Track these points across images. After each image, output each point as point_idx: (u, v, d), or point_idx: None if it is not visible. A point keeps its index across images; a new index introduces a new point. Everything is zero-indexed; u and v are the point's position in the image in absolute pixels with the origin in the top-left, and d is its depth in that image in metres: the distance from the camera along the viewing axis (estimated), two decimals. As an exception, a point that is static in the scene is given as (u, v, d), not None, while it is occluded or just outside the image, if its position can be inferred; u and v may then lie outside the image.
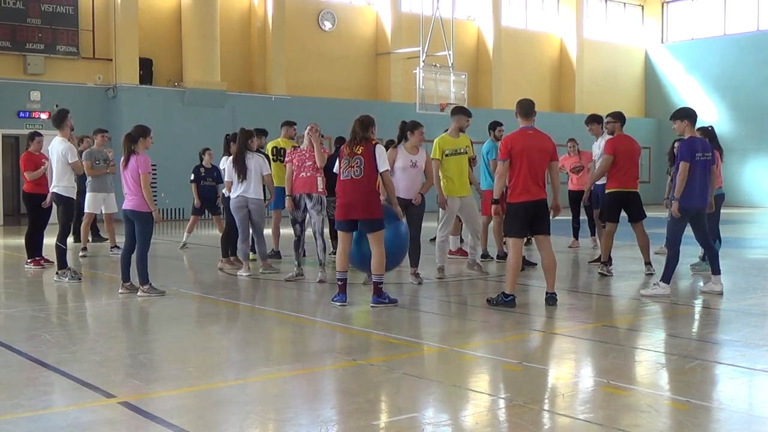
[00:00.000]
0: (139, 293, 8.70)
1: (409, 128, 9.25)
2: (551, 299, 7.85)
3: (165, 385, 5.27)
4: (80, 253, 12.68)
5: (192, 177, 13.62)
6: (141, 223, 8.67)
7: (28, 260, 11.19)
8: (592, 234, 13.47)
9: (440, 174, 9.66)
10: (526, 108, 8.12)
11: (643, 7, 33.83)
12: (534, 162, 7.75)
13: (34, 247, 11.19)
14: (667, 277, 8.42)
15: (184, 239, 13.95)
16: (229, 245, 11.13)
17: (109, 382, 5.30)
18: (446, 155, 9.74)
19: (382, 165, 7.95)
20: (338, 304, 7.96)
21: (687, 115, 8.51)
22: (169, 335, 6.97)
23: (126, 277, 8.90)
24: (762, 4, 30.42)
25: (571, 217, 13.84)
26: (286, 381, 5.41)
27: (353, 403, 4.82)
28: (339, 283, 8.05)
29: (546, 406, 4.75)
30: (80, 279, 9.96)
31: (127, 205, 8.73)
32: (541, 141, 7.91)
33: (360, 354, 6.16)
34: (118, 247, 12.87)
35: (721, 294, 8.53)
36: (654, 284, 8.51)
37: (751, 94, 30.07)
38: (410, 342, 6.57)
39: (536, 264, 10.51)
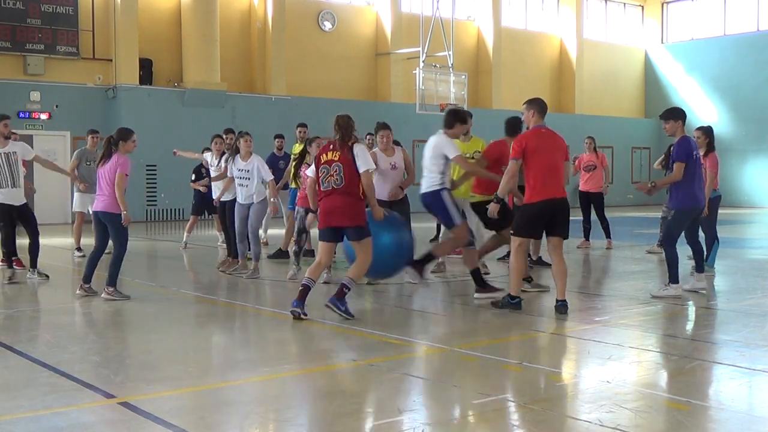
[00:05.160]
0: (103, 295, 8.51)
1: (374, 130, 8.96)
2: (562, 307, 7.48)
3: (165, 385, 5.26)
4: (75, 254, 12.70)
5: (193, 177, 13.69)
6: (113, 225, 8.46)
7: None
8: (608, 236, 13.39)
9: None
10: (543, 106, 7.75)
11: (643, 7, 33.84)
12: (552, 159, 7.49)
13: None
14: (675, 277, 8.37)
15: (184, 239, 13.97)
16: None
17: (109, 382, 5.30)
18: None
19: (363, 165, 7.27)
20: (292, 309, 7.32)
21: (680, 115, 8.46)
22: (169, 335, 6.97)
23: (87, 279, 8.69)
24: (762, 4, 30.43)
25: (582, 218, 13.69)
26: (286, 381, 5.41)
27: (353, 403, 4.82)
28: (300, 288, 7.42)
29: (546, 407, 4.75)
30: (47, 277, 10.08)
31: (97, 206, 8.53)
32: (556, 139, 7.66)
33: (360, 354, 6.16)
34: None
35: (705, 290, 8.61)
36: (665, 286, 8.48)
37: (750, 95, 30.07)
38: (410, 342, 6.57)
39: (550, 264, 10.44)
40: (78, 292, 8.73)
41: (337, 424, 4.45)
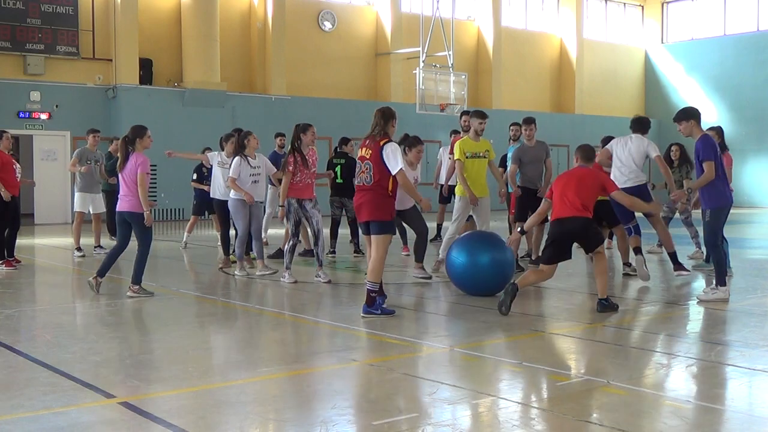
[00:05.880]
0: (128, 293, 8.62)
1: (407, 144, 9.04)
2: (600, 304, 7.66)
3: (165, 385, 5.27)
4: (75, 253, 12.69)
5: (194, 177, 13.71)
6: (137, 224, 8.53)
7: (0, 261, 11.20)
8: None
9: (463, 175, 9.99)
10: (585, 152, 8.15)
11: (643, 7, 33.84)
12: (565, 187, 7.71)
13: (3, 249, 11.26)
14: (723, 279, 8.15)
15: (184, 239, 13.98)
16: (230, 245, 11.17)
17: (109, 382, 5.30)
18: (467, 157, 9.97)
19: (394, 166, 7.34)
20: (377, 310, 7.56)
21: (693, 114, 8.32)
22: (169, 335, 6.97)
23: (102, 272, 8.77)
24: (762, 4, 30.44)
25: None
26: (286, 381, 5.40)
27: (353, 403, 4.82)
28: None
29: (546, 406, 4.75)
30: None
31: (122, 206, 8.56)
32: (583, 172, 7.92)
33: (360, 354, 6.16)
34: (101, 247, 12.95)
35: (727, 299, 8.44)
36: (712, 290, 8.23)
37: (751, 95, 30.07)
38: (410, 342, 6.57)
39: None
40: (90, 280, 8.81)
41: (337, 424, 4.45)
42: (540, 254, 8.02)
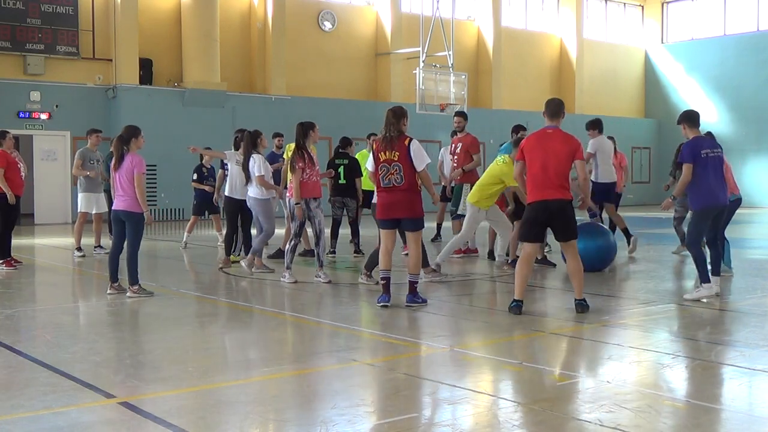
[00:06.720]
0: (128, 294, 8.63)
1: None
2: (579, 306, 7.50)
3: (165, 385, 5.27)
4: (75, 253, 12.68)
5: (195, 177, 13.75)
6: (132, 223, 8.53)
7: (1, 261, 11.20)
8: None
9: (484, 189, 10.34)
10: (553, 107, 7.73)
11: (643, 7, 33.84)
12: (546, 161, 7.42)
13: (4, 249, 11.23)
14: (706, 276, 8.21)
15: (184, 239, 13.98)
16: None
17: (109, 382, 5.30)
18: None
19: (420, 164, 7.74)
20: (380, 305, 7.82)
21: (684, 118, 8.40)
22: (169, 335, 6.97)
23: (114, 277, 8.80)
24: (762, 4, 30.43)
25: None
26: (286, 381, 5.41)
27: (353, 403, 4.82)
28: (382, 282, 7.93)
29: (546, 407, 4.75)
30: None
31: (118, 205, 8.57)
32: (558, 141, 7.50)
33: (360, 354, 6.16)
34: (101, 247, 12.93)
35: (718, 295, 8.45)
36: (696, 288, 8.31)
37: (751, 95, 30.06)
38: (410, 342, 6.57)
39: (554, 264, 10.60)
40: (109, 291, 8.79)
41: (338, 424, 4.44)
42: (519, 232, 8.02)
